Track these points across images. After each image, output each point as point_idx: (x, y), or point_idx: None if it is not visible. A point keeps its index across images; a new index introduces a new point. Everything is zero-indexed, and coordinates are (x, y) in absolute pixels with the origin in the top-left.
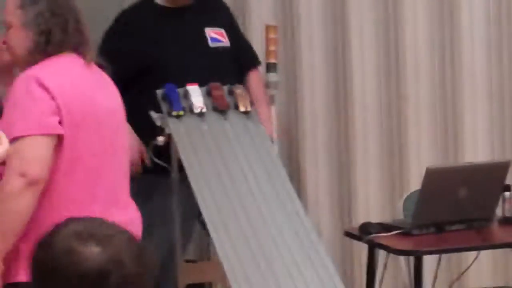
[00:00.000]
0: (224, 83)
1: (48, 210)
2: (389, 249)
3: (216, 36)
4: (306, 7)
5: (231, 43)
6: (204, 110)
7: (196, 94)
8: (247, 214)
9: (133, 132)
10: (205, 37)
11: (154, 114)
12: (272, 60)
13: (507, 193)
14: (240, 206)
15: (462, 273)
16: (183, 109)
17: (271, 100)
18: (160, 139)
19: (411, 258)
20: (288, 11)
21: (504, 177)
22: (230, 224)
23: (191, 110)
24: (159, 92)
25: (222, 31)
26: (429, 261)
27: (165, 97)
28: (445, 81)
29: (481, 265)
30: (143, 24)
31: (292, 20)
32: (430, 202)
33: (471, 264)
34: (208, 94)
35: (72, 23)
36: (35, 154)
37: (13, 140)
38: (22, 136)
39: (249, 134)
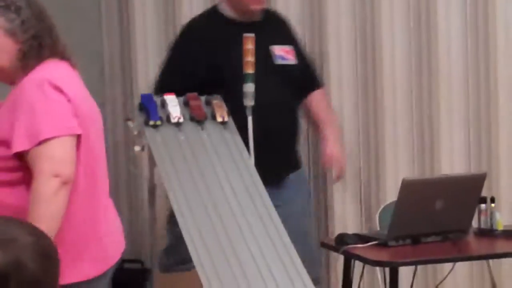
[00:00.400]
0: (290, 101)
1: (71, 209)
2: (365, 260)
3: (283, 54)
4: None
5: (297, 61)
6: (181, 120)
7: (173, 104)
8: (223, 224)
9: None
10: (271, 55)
11: (130, 124)
12: (249, 71)
13: (483, 205)
14: (216, 215)
15: (438, 285)
16: (160, 118)
17: (248, 111)
18: (136, 148)
19: (387, 270)
20: None
21: (480, 189)
22: (206, 234)
23: (168, 120)
24: (136, 101)
25: (290, 48)
26: (405, 272)
27: (142, 106)
28: (421, 92)
29: (457, 277)
30: (214, 36)
31: None
32: (406, 213)
33: (446, 276)
34: (185, 104)
35: (55, 30)
36: (66, 155)
37: (41, 142)
38: (51, 138)
39: (226, 144)
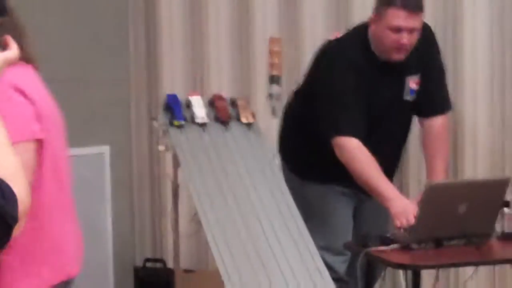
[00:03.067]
0: (405, 133)
1: (35, 212)
2: (387, 263)
3: (413, 87)
4: (310, 20)
5: (422, 85)
6: (205, 120)
7: (198, 105)
8: (247, 227)
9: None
10: (404, 89)
11: (155, 123)
12: (275, 73)
13: (506, 209)
14: (240, 216)
15: None
16: (185, 119)
17: (273, 112)
18: (161, 148)
19: (409, 272)
20: (292, 24)
21: (503, 193)
22: (230, 235)
23: (193, 120)
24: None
25: (418, 77)
26: (427, 276)
27: (167, 106)
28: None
29: (479, 281)
30: (367, 74)
31: (296, 32)
32: (430, 217)
33: (468, 279)
34: (210, 105)
35: (25, 33)
36: (29, 161)
37: None
38: (15, 143)
39: (251, 145)
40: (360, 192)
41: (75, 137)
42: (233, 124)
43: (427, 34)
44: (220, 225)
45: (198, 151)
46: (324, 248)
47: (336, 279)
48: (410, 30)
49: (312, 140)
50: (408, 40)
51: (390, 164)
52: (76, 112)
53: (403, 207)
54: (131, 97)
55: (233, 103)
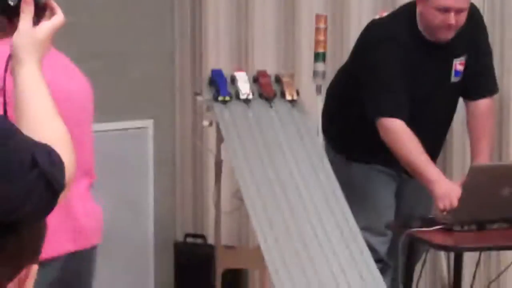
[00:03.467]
0: (451, 115)
1: None
2: (429, 244)
3: (459, 69)
4: None
5: (469, 67)
6: (250, 96)
7: (243, 80)
8: (289, 204)
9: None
10: (450, 71)
11: (199, 98)
12: (321, 50)
13: None
14: (283, 195)
15: (501, 273)
16: (229, 94)
17: (317, 90)
18: (205, 123)
19: (451, 255)
20: (338, 1)
21: None
22: (272, 213)
23: (237, 96)
24: (206, 76)
25: (464, 59)
26: (468, 259)
27: (212, 81)
28: None
29: None
30: (413, 55)
31: (342, 10)
32: (473, 199)
33: (510, 264)
34: (255, 81)
35: None
36: None
37: None
38: None
39: (294, 123)
40: (403, 173)
41: (119, 111)
42: (277, 101)
43: (474, 16)
44: (262, 202)
45: (242, 127)
46: (365, 228)
47: (377, 260)
48: (458, 10)
49: (356, 120)
50: (455, 20)
51: (435, 145)
52: (120, 86)
53: (447, 190)
54: (175, 72)
55: (278, 79)
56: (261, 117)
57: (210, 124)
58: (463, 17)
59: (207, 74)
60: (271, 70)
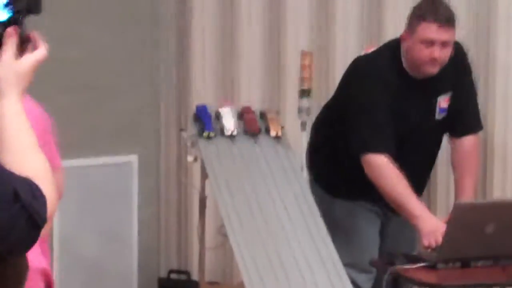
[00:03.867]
0: (434, 151)
1: None
2: (413, 282)
3: (444, 106)
4: (342, 34)
5: (453, 104)
6: (235, 133)
7: (228, 116)
8: (273, 239)
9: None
10: (435, 108)
11: (184, 134)
12: (306, 87)
13: None
14: (266, 230)
15: None
16: (214, 130)
17: (302, 126)
18: (189, 159)
19: None
20: (323, 37)
21: None
22: (256, 248)
23: (222, 132)
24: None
25: (448, 96)
26: None
27: (197, 117)
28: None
29: None
30: (398, 91)
31: (328, 46)
32: (457, 237)
33: None
34: (239, 117)
35: None
36: None
37: None
38: None
39: (279, 158)
40: (388, 210)
41: (104, 146)
42: (262, 137)
43: (459, 52)
44: (246, 239)
45: (227, 163)
46: (350, 264)
47: None
48: (443, 43)
49: (341, 156)
50: (440, 53)
51: (419, 181)
52: (105, 121)
53: (432, 226)
54: (160, 107)
55: (263, 116)
56: (246, 153)
57: (195, 159)
58: (447, 51)
59: (192, 110)
60: (257, 106)
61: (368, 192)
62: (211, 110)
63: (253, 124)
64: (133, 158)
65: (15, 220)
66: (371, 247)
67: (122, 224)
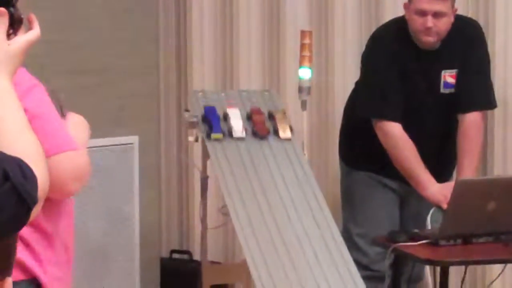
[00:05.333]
0: (446, 128)
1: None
2: (415, 258)
3: (450, 81)
4: (340, 12)
5: (459, 81)
6: (243, 135)
7: (236, 118)
8: (275, 218)
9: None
10: (440, 81)
11: (186, 114)
12: (306, 65)
13: None
14: (269, 209)
15: (488, 286)
16: (222, 132)
17: (303, 105)
18: (190, 138)
19: (437, 269)
20: (323, 16)
21: None
22: (258, 228)
23: (230, 134)
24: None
25: (454, 72)
26: (454, 273)
27: (205, 119)
28: None
29: (507, 279)
30: (405, 63)
31: (327, 26)
32: (459, 213)
33: (496, 278)
34: (248, 118)
35: None
36: None
37: None
38: None
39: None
40: (406, 185)
41: (105, 127)
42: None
43: (466, 30)
44: (248, 218)
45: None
46: (360, 235)
47: (366, 266)
48: (435, 14)
49: (362, 129)
50: (433, 23)
51: (427, 156)
52: (106, 102)
53: (440, 190)
54: (160, 88)
55: (271, 116)
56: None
57: (196, 139)
58: (443, 22)
59: (191, 89)
60: (256, 86)
61: (387, 165)
62: (219, 112)
63: (262, 126)
64: (134, 139)
65: (4, 200)
66: (387, 222)
67: (124, 205)
